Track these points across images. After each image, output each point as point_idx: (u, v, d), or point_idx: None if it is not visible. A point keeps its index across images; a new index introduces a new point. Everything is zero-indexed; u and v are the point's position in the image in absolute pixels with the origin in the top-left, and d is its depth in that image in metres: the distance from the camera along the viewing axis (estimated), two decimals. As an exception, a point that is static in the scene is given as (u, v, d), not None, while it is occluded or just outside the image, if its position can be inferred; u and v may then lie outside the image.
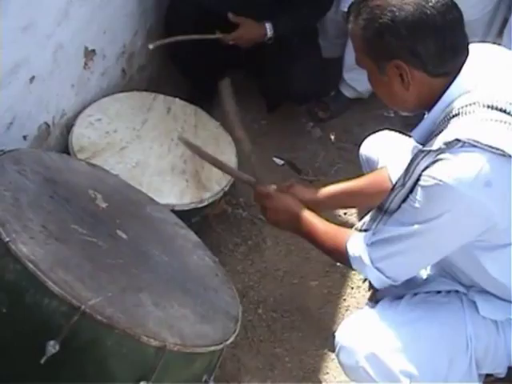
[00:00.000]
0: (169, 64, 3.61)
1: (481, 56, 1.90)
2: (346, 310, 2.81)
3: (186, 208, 2.73)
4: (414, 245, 1.88)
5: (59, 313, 1.67)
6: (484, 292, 2.04)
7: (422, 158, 1.81)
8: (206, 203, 2.80)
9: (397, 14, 1.77)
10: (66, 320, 1.66)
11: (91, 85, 3.03)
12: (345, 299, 2.86)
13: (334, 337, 2.12)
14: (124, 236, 2.14)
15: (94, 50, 2.98)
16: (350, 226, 2.25)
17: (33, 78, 2.54)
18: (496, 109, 1.78)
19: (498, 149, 1.72)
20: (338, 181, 3.25)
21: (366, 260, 1.96)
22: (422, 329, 2.02)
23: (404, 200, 1.89)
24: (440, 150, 1.77)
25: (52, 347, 1.66)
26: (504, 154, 1.72)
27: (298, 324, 2.77)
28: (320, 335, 2.72)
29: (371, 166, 2.55)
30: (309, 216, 2.20)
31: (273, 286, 2.90)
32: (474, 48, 1.90)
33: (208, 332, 1.96)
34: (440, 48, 1.79)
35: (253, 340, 2.68)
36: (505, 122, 1.76)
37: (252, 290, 2.86)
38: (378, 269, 1.95)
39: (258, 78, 3.49)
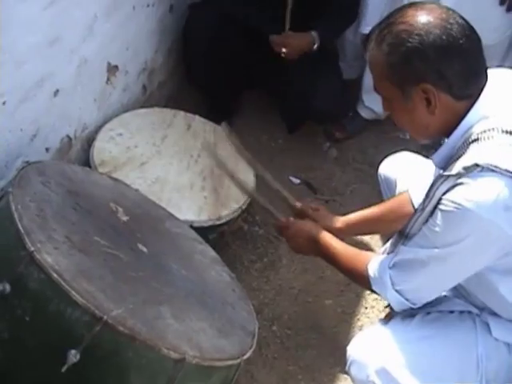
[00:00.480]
0: (188, 82, 3.66)
1: (498, 81, 1.91)
2: (360, 330, 2.81)
3: (204, 224, 2.75)
4: (434, 269, 1.89)
5: (81, 322, 1.70)
6: (497, 315, 2.05)
7: (441, 183, 1.83)
8: (223, 220, 2.83)
9: (425, 37, 1.78)
10: (87, 330, 1.69)
11: (113, 100, 3.07)
12: (359, 318, 2.87)
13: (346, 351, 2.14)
14: (144, 249, 2.16)
15: (116, 66, 3.03)
16: (372, 249, 2.28)
17: (57, 91, 2.58)
18: None
19: None
20: (353, 201, 3.35)
21: (387, 282, 1.97)
22: (434, 346, 2.03)
23: (424, 224, 1.91)
24: (459, 175, 1.78)
25: (73, 356, 1.69)
26: None
27: (311, 342, 2.78)
28: (333, 354, 2.73)
29: (389, 187, 2.57)
30: (329, 239, 2.24)
31: (287, 304, 2.91)
32: (491, 73, 1.92)
33: (225, 346, 1.98)
34: (465, 70, 1.82)
35: (267, 357, 2.70)
36: None
37: (267, 307, 2.88)
38: (398, 291, 1.96)
39: (278, 99, 3.53)
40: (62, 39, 2.51)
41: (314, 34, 3.27)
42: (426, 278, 1.92)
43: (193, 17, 3.35)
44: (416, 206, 2.29)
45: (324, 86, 3.33)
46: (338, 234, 2.36)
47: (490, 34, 3.19)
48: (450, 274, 1.93)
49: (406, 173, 2.51)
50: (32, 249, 1.74)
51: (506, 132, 1.80)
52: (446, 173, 1.83)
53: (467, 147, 1.83)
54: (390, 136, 3.69)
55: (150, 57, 3.37)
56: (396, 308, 2.02)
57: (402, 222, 2.35)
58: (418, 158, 2.57)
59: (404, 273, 1.95)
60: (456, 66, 1.80)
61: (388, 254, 2.05)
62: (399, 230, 2.03)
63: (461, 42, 1.79)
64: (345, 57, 3.63)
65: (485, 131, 1.81)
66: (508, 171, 1.74)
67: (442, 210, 1.82)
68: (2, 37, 2.18)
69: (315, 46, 3.28)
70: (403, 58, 1.82)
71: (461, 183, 1.78)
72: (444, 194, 1.82)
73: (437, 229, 1.84)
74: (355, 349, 2.10)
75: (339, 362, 2.68)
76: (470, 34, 1.82)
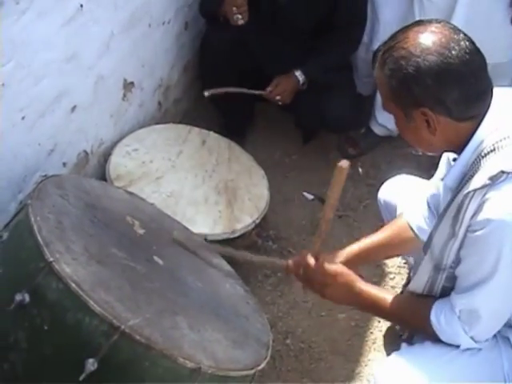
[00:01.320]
0: (202, 98, 3.70)
1: (506, 98, 1.94)
2: (373, 343, 2.83)
3: (219, 238, 2.79)
4: (496, 303, 1.90)
5: (99, 332, 1.73)
6: None
7: (468, 202, 1.82)
8: (237, 234, 2.86)
9: (421, 64, 1.80)
10: (105, 339, 1.72)
11: (129, 116, 3.12)
12: (372, 332, 2.88)
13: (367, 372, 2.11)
14: (160, 262, 2.20)
15: (132, 83, 3.07)
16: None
17: (74, 107, 2.63)
18: None
19: None
20: (366, 216, 3.38)
21: (459, 332, 1.96)
22: (462, 368, 1.99)
23: (459, 251, 1.91)
24: (485, 187, 1.79)
25: (91, 365, 1.72)
26: None
27: (325, 355, 2.80)
28: (347, 367, 2.75)
29: (390, 212, 2.57)
30: (370, 289, 2.16)
31: (301, 318, 2.93)
32: (499, 91, 1.93)
33: (240, 357, 2.01)
34: (464, 95, 1.83)
35: (280, 370, 2.72)
36: None
37: (280, 321, 2.90)
38: (472, 338, 1.96)
39: (293, 110, 3.56)
40: (79, 56, 2.56)
41: (297, 73, 3.32)
42: (493, 315, 1.93)
43: (210, 34, 3.39)
44: (415, 230, 2.32)
45: (338, 94, 3.37)
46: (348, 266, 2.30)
47: (501, 53, 3.23)
48: (509, 298, 1.92)
49: (406, 197, 2.50)
50: (51, 259, 1.78)
51: None
52: (471, 188, 1.82)
53: (481, 161, 1.84)
54: (402, 152, 3.70)
55: (165, 74, 3.42)
56: (464, 348, 2.00)
57: (402, 247, 2.39)
58: (417, 181, 2.58)
59: (473, 320, 1.93)
60: (454, 92, 1.81)
61: (429, 294, 2.04)
62: (433, 264, 2.00)
63: (459, 67, 1.80)
64: (357, 73, 3.66)
65: (500, 140, 1.83)
66: None
67: (474, 236, 1.82)
68: (21, 53, 2.24)
69: (301, 84, 3.34)
70: (402, 83, 1.84)
71: (488, 199, 1.79)
72: (473, 215, 1.82)
73: (476, 258, 1.85)
74: (383, 374, 2.06)
75: (352, 374, 2.71)
76: (470, 58, 1.82)
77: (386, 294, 2.16)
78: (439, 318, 1.99)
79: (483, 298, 1.88)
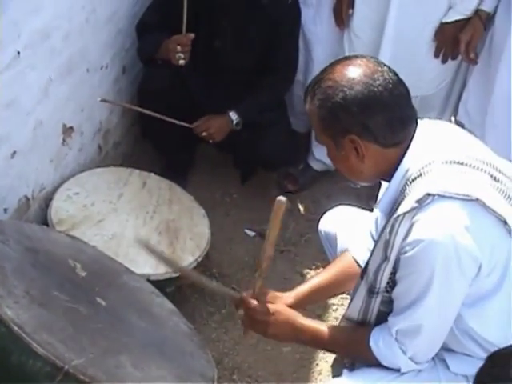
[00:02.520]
0: (142, 141, 3.75)
1: (431, 128, 2.04)
2: (319, 374, 2.87)
3: (161, 278, 2.81)
4: (433, 320, 1.95)
5: (43, 373, 1.75)
6: (450, 349, 2.11)
7: (398, 225, 1.90)
8: (180, 273, 2.88)
9: (347, 93, 1.92)
10: (50, 380, 1.74)
11: (69, 160, 3.14)
12: (317, 364, 2.93)
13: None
14: (103, 303, 2.22)
15: (72, 127, 3.10)
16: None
17: (14, 153, 2.65)
18: (453, 163, 1.92)
19: (464, 194, 1.85)
20: (307, 251, 3.43)
21: (398, 353, 2.00)
22: None
23: (393, 273, 1.97)
24: (413, 210, 1.87)
25: (36, 407, 1.73)
26: (472, 199, 1.85)
27: (272, 389, 2.83)
28: (294, 400, 2.79)
29: (331, 242, 2.63)
30: (310, 323, 2.20)
31: (247, 353, 2.96)
32: (426, 122, 2.04)
33: (185, 393, 2.04)
34: (389, 121, 1.94)
35: (228, 406, 2.74)
36: (465, 172, 1.91)
37: (227, 357, 2.93)
38: (411, 358, 2.00)
39: (230, 149, 3.62)
40: (17, 102, 2.58)
41: (231, 113, 3.40)
42: (430, 333, 1.98)
43: (146, 76, 3.44)
44: (361, 264, 2.33)
45: (272, 132, 3.43)
46: (297, 308, 2.32)
47: (426, 85, 3.36)
48: (448, 314, 1.96)
49: (345, 226, 2.57)
50: (-7, 303, 1.79)
51: (446, 162, 1.92)
52: (400, 212, 1.90)
53: (410, 185, 1.93)
54: (341, 185, 3.75)
55: (104, 117, 3.45)
56: (405, 370, 2.04)
57: (351, 283, 2.40)
58: (355, 210, 2.66)
59: (410, 339, 1.98)
60: (379, 119, 1.93)
61: (364, 319, 2.10)
62: (367, 288, 2.06)
63: (383, 95, 1.92)
64: (293, 110, 3.73)
65: (425, 165, 1.93)
66: (458, 194, 1.85)
67: (408, 257, 1.89)
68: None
69: (235, 124, 3.40)
70: (330, 112, 1.95)
71: (416, 220, 1.87)
72: (404, 238, 1.89)
73: (410, 277, 1.92)
74: None
75: (299, 408, 2.74)
76: (393, 87, 1.94)
77: (326, 326, 2.20)
78: (378, 342, 2.04)
79: (419, 315, 1.94)
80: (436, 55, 3.33)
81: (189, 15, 3.16)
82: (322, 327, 2.18)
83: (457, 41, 3.25)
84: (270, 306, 2.20)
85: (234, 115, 3.39)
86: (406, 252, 1.90)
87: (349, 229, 2.55)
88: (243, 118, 3.40)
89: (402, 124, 1.97)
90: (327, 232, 2.67)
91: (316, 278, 2.50)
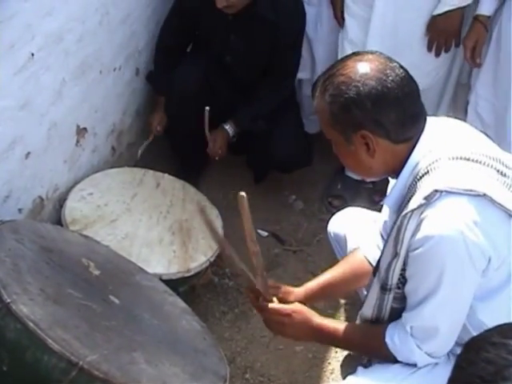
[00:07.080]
0: (156, 142, 3.77)
1: (437, 125, 2.06)
2: (331, 373, 2.88)
3: (174, 277, 2.83)
4: (447, 317, 1.97)
5: (58, 369, 1.77)
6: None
7: (407, 222, 1.92)
8: (192, 273, 2.90)
9: (361, 88, 1.93)
10: (64, 376, 1.77)
11: (83, 161, 3.17)
12: (329, 363, 2.94)
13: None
14: (116, 301, 2.24)
15: (85, 128, 3.13)
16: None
17: (28, 153, 2.67)
18: (460, 158, 1.93)
19: (472, 190, 1.87)
20: (320, 250, 3.44)
21: (414, 349, 2.02)
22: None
23: (404, 270, 1.99)
24: (421, 206, 1.89)
25: (51, 402, 1.75)
26: (479, 194, 1.87)
27: (284, 388, 2.85)
28: (306, 399, 2.80)
29: (340, 243, 2.66)
30: (327, 322, 2.23)
31: (259, 352, 2.97)
32: (431, 120, 2.06)
33: (198, 390, 2.06)
34: (401, 117, 1.96)
35: (240, 404, 2.76)
36: (471, 168, 1.92)
37: (239, 356, 2.94)
38: (427, 353, 2.02)
39: (244, 151, 3.65)
40: (31, 103, 2.61)
41: (226, 126, 3.45)
42: (444, 328, 1.99)
43: (178, 79, 3.48)
44: (372, 262, 2.36)
45: (284, 135, 3.47)
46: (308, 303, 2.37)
47: (422, 80, 3.32)
48: (460, 308, 1.98)
49: (354, 227, 2.59)
50: (8, 300, 1.82)
51: (452, 158, 1.94)
52: (409, 209, 1.92)
53: (418, 183, 1.95)
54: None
55: (118, 119, 3.48)
56: (421, 365, 2.06)
57: (360, 281, 2.43)
58: (364, 212, 2.68)
59: (425, 335, 2.01)
60: (391, 115, 1.95)
61: (378, 317, 2.12)
62: (380, 285, 2.07)
63: (396, 91, 1.94)
64: (303, 111, 3.75)
65: (432, 162, 1.95)
66: (465, 189, 1.87)
67: (416, 254, 1.91)
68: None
69: (231, 136, 3.46)
70: (343, 107, 1.96)
71: (425, 217, 1.88)
72: (413, 235, 1.91)
73: (420, 274, 1.94)
74: None
75: (311, 406, 2.75)
76: (405, 83, 1.96)
77: (342, 324, 2.22)
78: (393, 338, 2.06)
79: (432, 311, 1.96)
80: (429, 48, 3.33)
81: (201, 33, 3.31)
82: (338, 326, 2.21)
83: (449, 33, 3.26)
84: (286, 306, 2.24)
85: (229, 128, 3.45)
86: (415, 249, 1.91)
87: (358, 229, 2.57)
88: (239, 128, 3.46)
89: (413, 120, 1.99)
90: (336, 233, 2.70)
91: (326, 274, 2.52)
